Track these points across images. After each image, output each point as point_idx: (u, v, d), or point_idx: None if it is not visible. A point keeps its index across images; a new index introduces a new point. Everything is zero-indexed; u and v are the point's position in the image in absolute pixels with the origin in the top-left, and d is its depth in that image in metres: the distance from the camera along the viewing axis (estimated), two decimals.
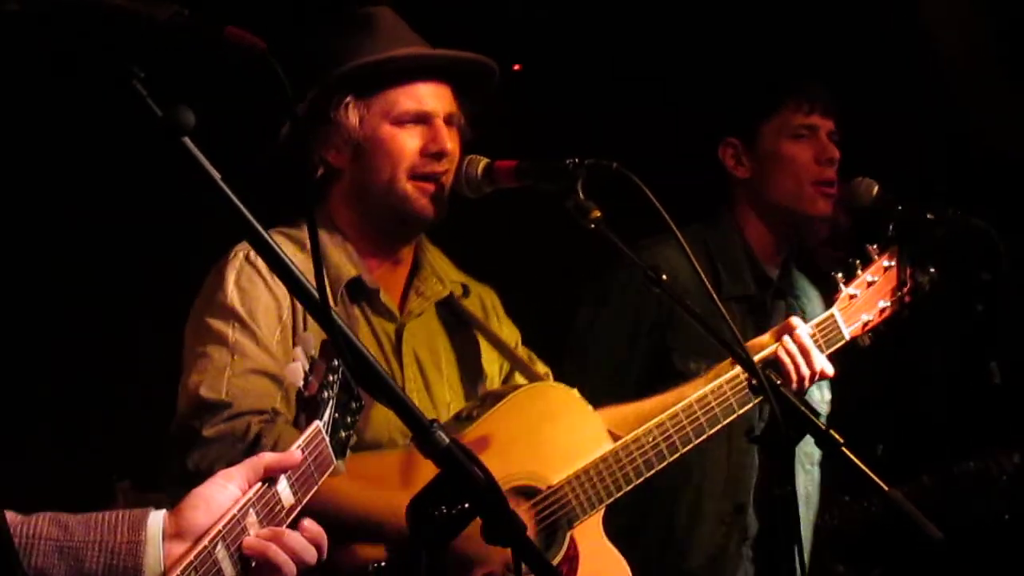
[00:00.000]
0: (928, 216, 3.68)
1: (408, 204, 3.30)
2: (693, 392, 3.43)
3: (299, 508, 2.30)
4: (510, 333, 3.61)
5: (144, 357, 4.02)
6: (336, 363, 2.47)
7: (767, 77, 4.46)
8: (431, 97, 3.32)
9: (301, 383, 2.41)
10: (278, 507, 2.25)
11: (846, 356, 3.87)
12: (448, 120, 3.33)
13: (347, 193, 3.33)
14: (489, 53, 3.41)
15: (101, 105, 2.77)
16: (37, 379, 4.14)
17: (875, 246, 3.72)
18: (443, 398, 3.37)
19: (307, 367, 2.42)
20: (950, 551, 3.15)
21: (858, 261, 3.70)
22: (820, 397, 4.23)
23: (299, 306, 3.17)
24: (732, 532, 4.12)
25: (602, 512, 3.36)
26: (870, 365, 5.06)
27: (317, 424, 2.39)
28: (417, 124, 3.30)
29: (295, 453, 2.30)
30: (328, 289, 2.08)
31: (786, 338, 3.49)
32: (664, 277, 3.13)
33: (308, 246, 3.09)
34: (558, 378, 3.58)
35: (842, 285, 3.66)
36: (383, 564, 2.75)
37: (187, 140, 1.98)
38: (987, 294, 4.44)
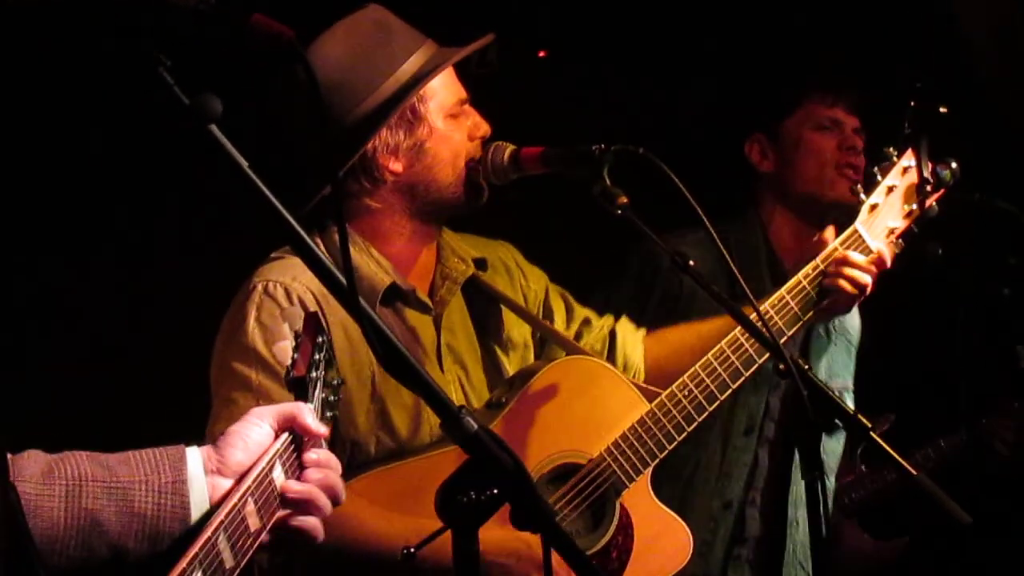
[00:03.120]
0: (942, 109, 3.56)
1: (469, 191, 3.32)
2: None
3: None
4: (537, 281, 3.60)
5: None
6: (321, 340, 2.48)
7: (792, 70, 4.46)
8: (458, 82, 3.34)
9: (289, 362, 2.41)
10: (273, 494, 2.26)
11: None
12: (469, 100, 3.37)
13: (397, 195, 3.30)
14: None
15: (128, 93, 2.77)
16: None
17: (892, 148, 3.60)
18: (482, 388, 3.38)
19: (294, 344, 2.42)
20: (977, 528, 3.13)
21: (876, 169, 3.61)
22: None
23: None
24: (719, 529, 4.11)
25: (649, 476, 3.37)
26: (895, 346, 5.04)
27: (308, 407, 2.39)
28: (461, 111, 3.33)
29: (322, 429, 2.33)
30: (361, 296, 2.07)
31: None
32: (692, 263, 3.11)
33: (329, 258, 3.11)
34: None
35: (863, 195, 3.58)
36: (412, 550, 2.76)
37: (214, 128, 1.98)
38: (1014, 278, 4.44)
